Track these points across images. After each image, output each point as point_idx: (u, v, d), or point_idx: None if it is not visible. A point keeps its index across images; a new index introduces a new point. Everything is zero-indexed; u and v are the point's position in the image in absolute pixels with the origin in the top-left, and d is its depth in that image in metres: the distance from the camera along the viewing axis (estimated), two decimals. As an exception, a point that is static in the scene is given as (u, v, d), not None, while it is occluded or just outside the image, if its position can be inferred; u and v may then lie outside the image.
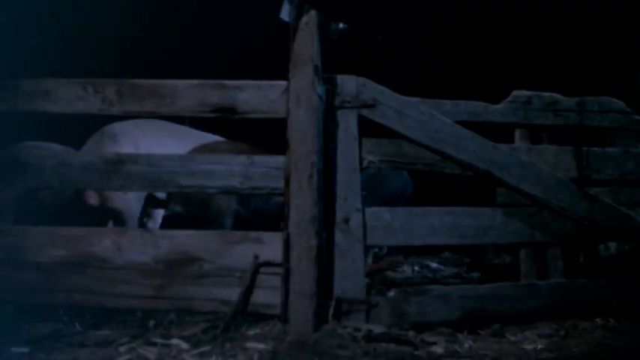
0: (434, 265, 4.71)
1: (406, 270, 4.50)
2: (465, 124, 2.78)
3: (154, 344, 2.35)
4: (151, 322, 2.53)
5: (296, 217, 2.37)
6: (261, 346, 2.31)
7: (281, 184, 2.47)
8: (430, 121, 2.68)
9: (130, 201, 4.13)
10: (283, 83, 2.50)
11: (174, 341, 2.37)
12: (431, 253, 5.28)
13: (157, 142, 4.28)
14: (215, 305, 2.50)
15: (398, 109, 2.65)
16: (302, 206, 2.37)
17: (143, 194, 4.20)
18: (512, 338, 2.60)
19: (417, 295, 2.65)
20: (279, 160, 2.49)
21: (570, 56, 5.48)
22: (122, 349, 2.32)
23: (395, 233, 2.65)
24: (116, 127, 4.28)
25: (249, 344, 2.33)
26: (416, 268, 4.55)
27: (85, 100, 2.54)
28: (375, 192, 4.13)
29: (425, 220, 2.69)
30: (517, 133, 2.93)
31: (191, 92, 2.52)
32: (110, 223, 4.30)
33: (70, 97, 2.54)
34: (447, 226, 2.72)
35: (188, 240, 2.52)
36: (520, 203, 2.81)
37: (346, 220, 2.55)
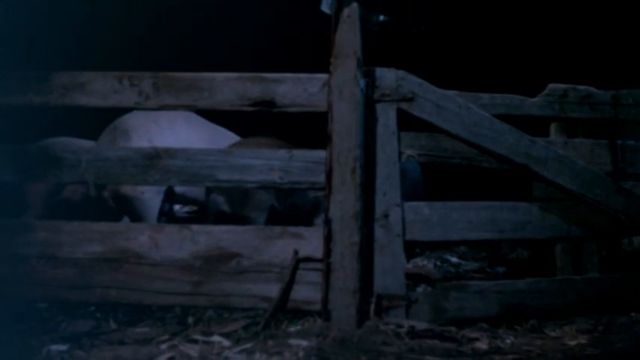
0: (454, 259, 4.69)
1: (427, 264, 4.47)
2: (500, 117, 2.75)
3: (195, 341, 2.32)
4: (190, 319, 2.49)
5: (339, 212, 2.34)
6: (304, 342, 2.28)
7: (321, 178, 2.44)
8: (468, 114, 2.65)
9: (146, 196, 4.08)
10: (323, 76, 2.46)
11: (216, 338, 2.34)
12: (445, 247, 5.25)
13: (171, 129, 4.22)
14: (254, 301, 2.47)
15: (436, 102, 2.61)
16: (345, 201, 2.33)
17: (162, 188, 4.14)
18: (552, 334, 2.58)
19: (456, 291, 2.62)
20: (319, 154, 2.46)
21: (602, 48, 5.43)
22: (163, 346, 2.29)
23: (433, 228, 2.62)
24: (128, 121, 4.19)
25: (292, 341, 2.30)
26: (437, 262, 4.52)
27: (120, 94, 2.50)
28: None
29: (463, 215, 2.66)
30: (553, 127, 2.91)
31: (230, 85, 2.48)
32: (125, 218, 4.27)
33: (105, 90, 2.50)
34: (485, 220, 2.69)
35: (226, 235, 2.48)
36: (556, 197, 2.78)
37: (386, 215, 2.52)
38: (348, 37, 2.33)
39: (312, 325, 2.44)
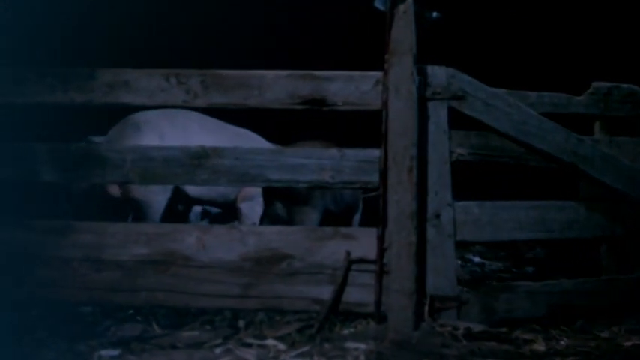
0: (477, 259, 4.67)
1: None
2: (546, 115, 2.72)
3: (249, 345, 2.26)
4: (241, 322, 2.43)
5: (395, 212, 2.30)
6: (362, 346, 2.23)
7: (374, 178, 2.40)
8: (517, 112, 2.61)
9: (152, 194, 4.01)
10: (376, 74, 2.41)
11: (270, 342, 2.28)
12: (463, 246, 5.22)
13: (185, 132, 4.16)
14: (305, 304, 2.42)
15: (485, 100, 2.58)
16: (401, 201, 2.29)
17: (169, 187, 4.06)
18: (602, 334, 2.56)
19: (505, 292, 2.59)
20: (372, 153, 2.41)
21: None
22: (218, 350, 2.23)
23: (483, 228, 2.59)
24: (141, 115, 4.14)
25: (349, 344, 2.26)
26: (460, 262, 4.49)
27: (167, 92, 2.43)
28: None
29: (511, 215, 2.63)
30: (597, 125, 2.88)
31: (280, 83, 2.42)
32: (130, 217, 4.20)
33: (151, 88, 2.43)
34: (533, 220, 2.66)
35: (277, 236, 2.43)
36: (601, 196, 2.76)
37: (437, 215, 2.48)
38: (404, 33, 2.29)
39: (366, 327, 2.40)
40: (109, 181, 2.50)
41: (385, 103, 2.34)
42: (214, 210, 4.72)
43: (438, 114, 2.51)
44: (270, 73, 2.43)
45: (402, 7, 2.29)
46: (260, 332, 2.37)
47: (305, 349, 2.22)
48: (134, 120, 4.02)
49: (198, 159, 2.43)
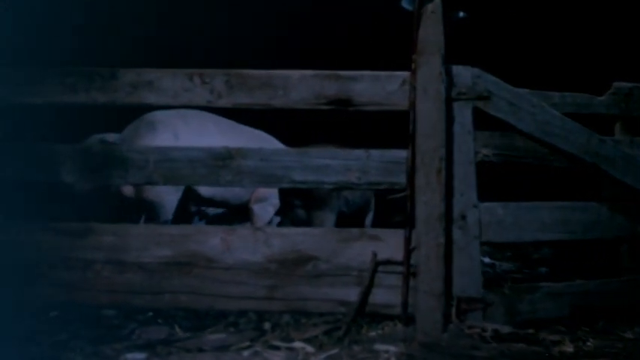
0: (487, 259, 4.65)
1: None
2: (568, 115, 2.71)
3: (277, 348, 2.24)
4: (267, 325, 2.41)
5: (424, 213, 2.28)
6: (391, 348, 2.21)
7: (401, 179, 2.38)
8: (541, 113, 2.61)
9: (163, 194, 3.98)
10: (402, 74, 2.39)
11: (297, 344, 2.26)
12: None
13: (199, 132, 4.13)
14: (331, 306, 2.40)
15: (510, 100, 2.56)
16: (430, 202, 2.27)
17: (181, 187, 4.04)
18: (627, 335, 2.55)
19: (529, 293, 2.58)
20: (398, 154, 2.39)
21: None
22: (245, 353, 2.20)
23: (507, 229, 2.57)
24: (156, 114, 4.12)
25: (378, 346, 2.24)
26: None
27: (191, 92, 2.40)
28: None
29: (536, 216, 2.62)
30: (618, 126, 2.88)
31: (305, 83, 2.40)
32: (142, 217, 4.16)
33: (175, 88, 2.40)
34: (557, 221, 2.65)
35: (302, 238, 2.41)
36: (623, 197, 2.76)
37: (463, 216, 2.46)
38: (432, 33, 2.27)
39: (393, 329, 2.38)
40: (131, 182, 2.47)
41: (412, 104, 2.32)
42: (211, 211, 4.70)
43: (463, 114, 2.49)
44: (295, 73, 2.40)
45: (430, 7, 2.27)
46: (287, 335, 2.34)
47: (334, 351, 2.20)
48: (149, 119, 3.99)
49: (223, 160, 2.40)
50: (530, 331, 2.45)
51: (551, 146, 2.64)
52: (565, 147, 2.64)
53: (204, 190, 4.14)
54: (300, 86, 2.40)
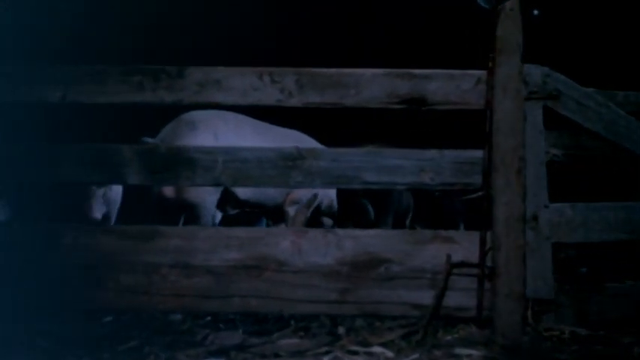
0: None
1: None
2: (630, 114, 2.69)
3: (355, 353, 2.18)
4: (341, 329, 2.35)
5: (503, 215, 2.24)
6: (473, 352, 2.17)
7: (476, 179, 2.34)
8: (607, 112, 2.58)
9: (205, 194, 3.92)
10: (477, 72, 2.35)
11: (376, 349, 2.21)
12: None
13: (237, 133, 4.09)
14: (405, 309, 2.36)
15: (578, 100, 2.54)
16: (510, 203, 2.23)
17: (220, 188, 3.99)
18: (691, 335, 2.53)
19: (596, 294, 2.56)
20: (473, 154, 2.35)
21: None
22: (325, 358, 2.15)
23: (575, 230, 2.54)
24: (195, 114, 4.08)
25: (459, 350, 2.19)
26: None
27: (260, 91, 2.35)
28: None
29: (602, 216, 2.59)
30: (677, 125, 2.86)
31: (377, 82, 2.35)
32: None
33: (244, 87, 2.35)
34: (621, 221, 2.62)
35: (374, 240, 2.36)
36: (683, 197, 2.75)
37: (535, 217, 2.43)
38: (512, 31, 2.23)
39: (468, 332, 2.34)
40: (198, 184, 2.40)
41: (489, 103, 2.28)
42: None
43: (534, 114, 2.46)
44: (367, 72, 2.36)
45: (508, 4, 2.23)
46: (363, 339, 2.29)
47: (414, 356, 2.15)
48: (188, 119, 3.93)
49: (293, 160, 2.35)
50: (601, 332, 2.42)
51: (617, 145, 2.61)
52: (630, 146, 2.62)
53: (241, 192, 4.08)
54: (373, 85, 2.35)
